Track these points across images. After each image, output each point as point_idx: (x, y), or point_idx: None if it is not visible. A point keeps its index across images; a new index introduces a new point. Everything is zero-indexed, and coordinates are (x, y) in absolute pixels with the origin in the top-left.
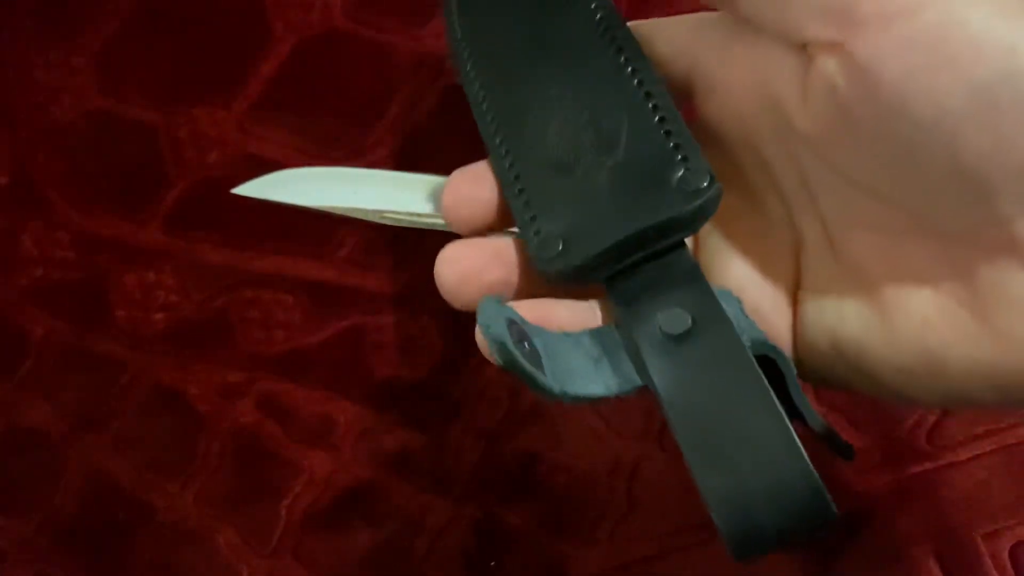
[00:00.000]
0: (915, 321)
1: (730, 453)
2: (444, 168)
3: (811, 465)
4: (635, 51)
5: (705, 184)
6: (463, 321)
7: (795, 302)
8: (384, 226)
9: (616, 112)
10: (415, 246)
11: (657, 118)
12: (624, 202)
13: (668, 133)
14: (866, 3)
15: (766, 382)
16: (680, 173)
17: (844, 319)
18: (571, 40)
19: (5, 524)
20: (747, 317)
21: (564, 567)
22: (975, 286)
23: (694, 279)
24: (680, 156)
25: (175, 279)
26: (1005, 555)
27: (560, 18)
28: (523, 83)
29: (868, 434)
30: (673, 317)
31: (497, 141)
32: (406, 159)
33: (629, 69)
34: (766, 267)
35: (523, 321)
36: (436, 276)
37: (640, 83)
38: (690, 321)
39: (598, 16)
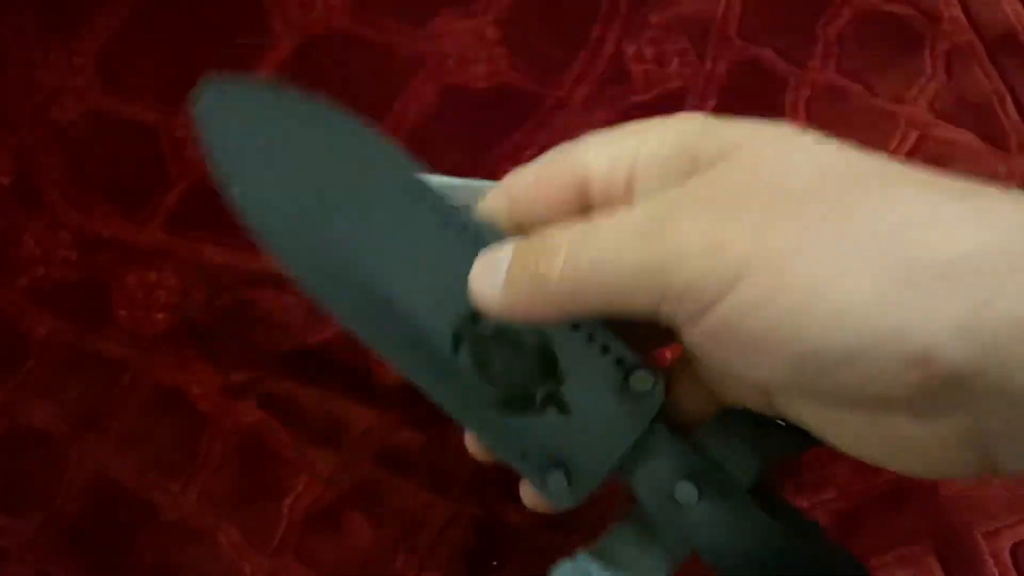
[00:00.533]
0: (852, 434)
1: None
2: (444, 167)
3: None
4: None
5: (652, 384)
6: None
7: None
8: None
9: (540, 335)
10: None
11: (576, 326)
12: (599, 426)
13: (590, 337)
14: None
15: (765, 518)
16: (630, 384)
17: (808, 421)
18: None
19: (7, 524)
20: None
21: None
22: (883, 429)
23: (679, 448)
24: (617, 359)
25: (177, 279)
26: (1006, 553)
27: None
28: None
29: None
30: (683, 490)
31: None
32: None
33: None
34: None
35: (586, 561)
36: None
37: None
38: (696, 489)
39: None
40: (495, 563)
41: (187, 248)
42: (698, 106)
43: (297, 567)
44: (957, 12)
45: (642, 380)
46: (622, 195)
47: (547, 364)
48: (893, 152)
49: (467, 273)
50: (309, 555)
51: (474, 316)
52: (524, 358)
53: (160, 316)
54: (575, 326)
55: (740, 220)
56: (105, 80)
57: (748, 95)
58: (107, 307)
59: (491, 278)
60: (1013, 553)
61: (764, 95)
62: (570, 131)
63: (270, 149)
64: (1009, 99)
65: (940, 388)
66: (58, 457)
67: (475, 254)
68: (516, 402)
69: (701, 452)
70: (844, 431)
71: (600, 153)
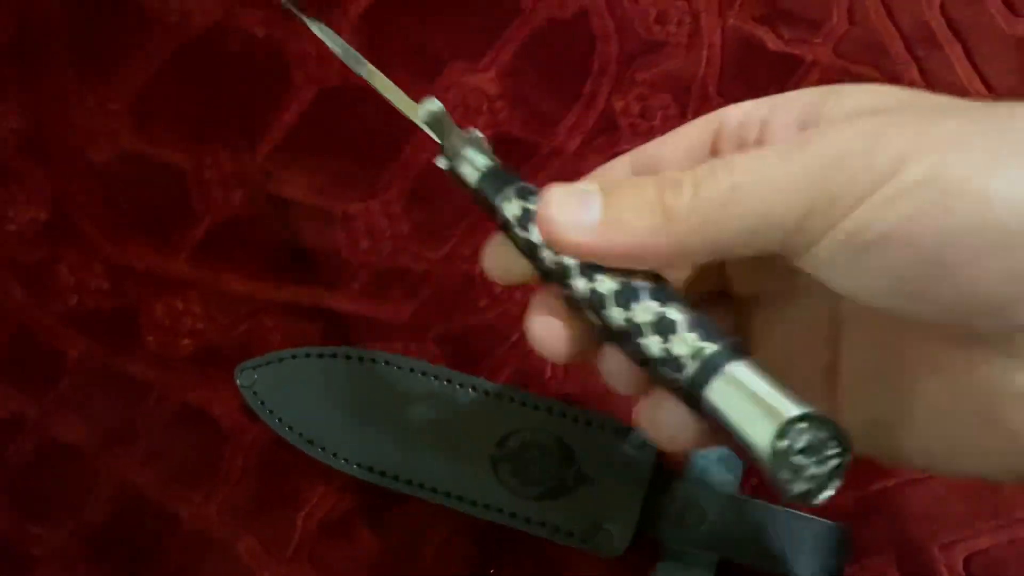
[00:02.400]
0: (933, 410)
1: None
2: (449, 208)
3: None
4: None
5: (644, 440)
6: (462, 346)
7: (833, 379)
8: (394, 262)
9: (552, 433)
10: (421, 279)
11: (563, 413)
12: (619, 483)
13: (588, 422)
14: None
15: (760, 503)
16: (629, 444)
17: (876, 400)
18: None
19: (39, 533)
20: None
21: (564, 574)
22: (982, 379)
23: (680, 484)
24: (614, 429)
25: (201, 307)
26: (960, 565)
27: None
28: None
29: None
30: (692, 514)
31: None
32: (416, 198)
33: (509, 399)
34: (804, 343)
35: None
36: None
37: (524, 402)
38: (702, 508)
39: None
40: (492, 571)
41: (211, 279)
42: None
43: (311, 574)
44: (915, 75)
45: (636, 438)
46: (755, 138)
47: (567, 453)
48: None
49: (480, 418)
50: (321, 562)
51: (500, 441)
52: (550, 454)
53: (185, 341)
54: (575, 418)
55: (900, 123)
56: (138, 124)
57: None
58: (136, 332)
59: (578, 213)
60: (966, 564)
61: None
62: (564, 175)
63: (318, 402)
64: None
65: None
66: (88, 470)
67: (483, 403)
68: (555, 491)
69: (696, 475)
70: (949, 389)
71: (735, 109)
